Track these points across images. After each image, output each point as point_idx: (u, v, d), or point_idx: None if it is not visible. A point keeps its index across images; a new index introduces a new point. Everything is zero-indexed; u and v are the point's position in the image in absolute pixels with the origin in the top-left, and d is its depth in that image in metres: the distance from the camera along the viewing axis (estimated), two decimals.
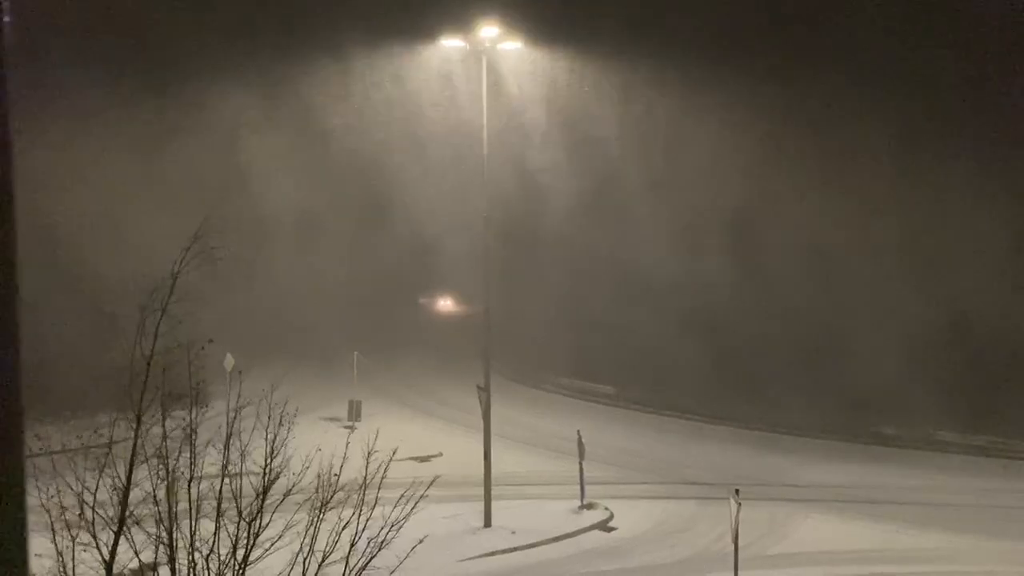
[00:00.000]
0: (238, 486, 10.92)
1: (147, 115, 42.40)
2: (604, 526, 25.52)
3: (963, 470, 32.45)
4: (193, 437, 10.71)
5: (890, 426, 37.13)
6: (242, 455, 10.96)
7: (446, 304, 54.46)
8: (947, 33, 38.23)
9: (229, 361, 32.28)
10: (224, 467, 10.87)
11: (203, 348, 11.75)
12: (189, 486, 10.60)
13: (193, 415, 10.87)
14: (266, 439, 11.16)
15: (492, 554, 23.18)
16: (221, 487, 10.81)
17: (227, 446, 10.94)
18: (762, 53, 41.15)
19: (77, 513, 10.35)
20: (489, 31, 26.04)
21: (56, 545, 10.26)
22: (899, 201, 39.15)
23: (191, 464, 10.61)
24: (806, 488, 29.46)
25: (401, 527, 11.01)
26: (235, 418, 11.17)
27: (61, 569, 10.30)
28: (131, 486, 10.49)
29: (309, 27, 44.57)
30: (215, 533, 10.60)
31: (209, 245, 11.14)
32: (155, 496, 10.59)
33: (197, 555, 10.52)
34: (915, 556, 23.03)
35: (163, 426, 10.58)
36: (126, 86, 42.13)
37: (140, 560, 10.74)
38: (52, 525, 10.27)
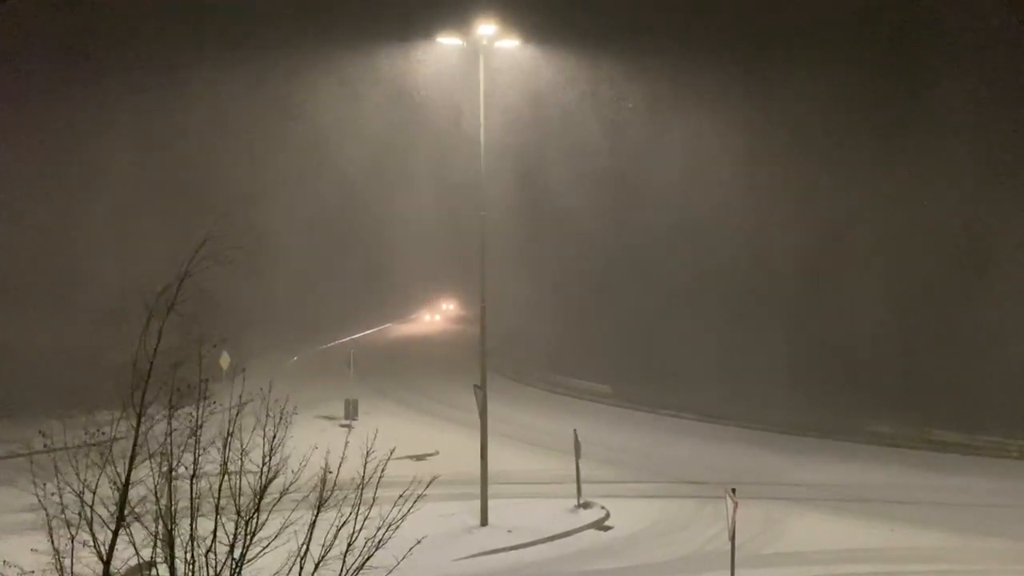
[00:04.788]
0: (236, 484, 10.92)
1: (149, 115, 42.53)
2: (600, 525, 25.53)
3: (958, 469, 32.51)
4: (198, 433, 10.74)
5: (885, 425, 37.16)
6: (230, 450, 10.93)
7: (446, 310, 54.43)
8: None
9: (225, 359, 32.32)
10: (224, 464, 10.86)
11: (215, 345, 11.77)
12: (192, 482, 10.61)
13: (200, 411, 10.89)
14: (263, 437, 11.16)
15: (488, 553, 23.17)
16: (220, 484, 10.81)
17: (226, 445, 10.94)
18: (753, 46, 41.22)
19: (76, 512, 10.35)
20: (486, 29, 26.02)
21: (52, 542, 10.26)
22: (915, 198, 38.83)
23: (195, 460, 10.62)
24: (802, 487, 29.51)
25: (398, 527, 11.01)
26: (235, 415, 11.18)
27: (58, 567, 10.29)
28: (130, 484, 10.48)
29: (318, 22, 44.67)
30: (213, 532, 10.60)
31: (221, 246, 11.12)
32: (156, 493, 10.59)
33: (194, 553, 10.51)
34: (910, 555, 23.07)
35: (169, 423, 10.60)
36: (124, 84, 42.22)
37: (140, 557, 10.73)
38: (49, 522, 10.27)
